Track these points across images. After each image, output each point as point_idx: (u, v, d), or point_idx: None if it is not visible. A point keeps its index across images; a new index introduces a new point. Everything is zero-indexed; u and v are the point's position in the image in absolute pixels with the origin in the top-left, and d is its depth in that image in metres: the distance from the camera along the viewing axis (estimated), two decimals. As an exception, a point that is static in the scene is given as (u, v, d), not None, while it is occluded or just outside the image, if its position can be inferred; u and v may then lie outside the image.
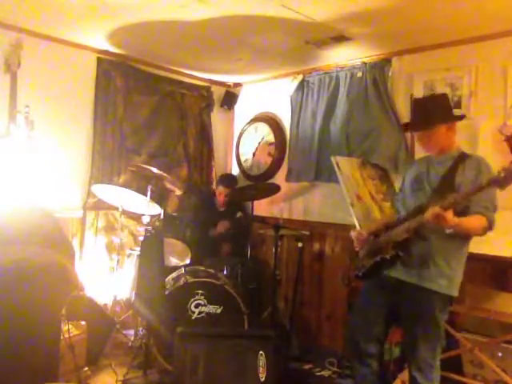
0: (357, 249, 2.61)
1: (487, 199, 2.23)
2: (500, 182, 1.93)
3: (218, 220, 4.26)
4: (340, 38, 3.46)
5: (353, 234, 2.64)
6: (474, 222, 2.18)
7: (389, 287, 2.41)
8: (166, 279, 3.46)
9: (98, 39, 3.84)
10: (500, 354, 2.90)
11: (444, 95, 2.48)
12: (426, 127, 2.38)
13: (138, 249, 3.67)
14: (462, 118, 2.52)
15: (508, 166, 1.89)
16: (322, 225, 4.13)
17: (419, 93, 3.52)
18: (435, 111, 2.37)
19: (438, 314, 2.31)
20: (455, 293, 2.33)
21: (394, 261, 2.34)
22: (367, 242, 2.55)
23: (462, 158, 2.36)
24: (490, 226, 2.21)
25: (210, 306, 3.31)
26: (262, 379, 2.67)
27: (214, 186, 4.79)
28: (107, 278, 4.07)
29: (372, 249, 2.53)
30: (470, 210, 2.22)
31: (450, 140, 2.40)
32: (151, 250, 3.28)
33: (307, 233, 3.79)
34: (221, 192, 4.29)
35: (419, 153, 3.08)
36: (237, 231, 4.21)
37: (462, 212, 2.19)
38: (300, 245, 3.58)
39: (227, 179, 4.41)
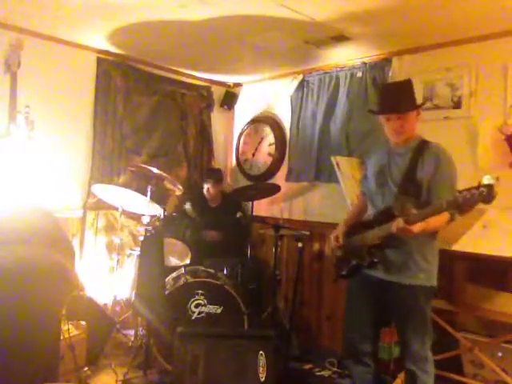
0: (336, 251, 2.67)
1: (448, 192, 2.25)
2: (458, 207, 1.96)
3: (213, 218, 4.25)
4: (340, 38, 3.46)
5: (332, 240, 2.67)
6: (437, 219, 2.19)
7: (373, 285, 2.44)
8: (166, 279, 3.46)
9: (98, 39, 3.84)
10: (500, 354, 2.90)
11: (410, 82, 2.46)
12: (407, 110, 2.37)
13: (138, 249, 3.67)
14: (423, 104, 2.55)
15: (465, 192, 1.90)
16: (321, 225, 4.13)
17: (419, 93, 3.52)
18: (409, 97, 2.39)
19: (423, 306, 2.36)
20: (434, 283, 2.38)
21: (371, 267, 2.40)
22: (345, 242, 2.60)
23: (421, 148, 2.36)
24: (452, 218, 2.24)
25: (210, 306, 3.31)
26: (262, 379, 2.67)
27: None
28: (107, 278, 4.07)
29: (349, 249, 2.57)
30: (431, 202, 2.24)
31: (415, 128, 2.42)
32: (151, 250, 3.28)
33: (307, 233, 3.78)
34: (206, 187, 4.27)
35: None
36: (235, 231, 4.20)
37: (424, 205, 2.23)
38: (300, 245, 3.58)
39: (210, 173, 4.39)
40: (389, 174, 2.43)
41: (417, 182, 2.31)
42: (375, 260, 2.37)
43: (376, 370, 2.56)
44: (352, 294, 2.62)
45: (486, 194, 1.85)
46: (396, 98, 2.38)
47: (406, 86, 2.44)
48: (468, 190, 1.92)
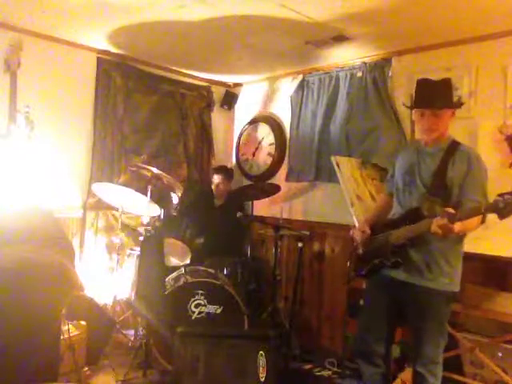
0: (357, 249, 2.62)
1: (479, 192, 2.25)
2: (498, 211, 1.92)
3: (216, 216, 4.24)
4: (340, 38, 3.46)
5: (355, 232, 2.62)
6: (472, 221, 2.17)
7: (392, 286, 2.41)
8: (166, 279, 3.45)
9: (98, 39, 3.84)
10: (500, 354, 2.90)
11: (450, 80, 2.41)
12: (444, 106, 2.33)
13: (138, 249, 3.67)
14: (461, 105, 2.52)
15: (507, 196, 1.88)
16: (321, 225, 4.13)
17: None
18: (446, 95, 2.35)
19: (442, 311, 2.34)
20: (457, 288, 2.36)
21: (395, 266, 2.37)
22: (368, 240, 2.56)
23: (453, 149, 2.34)
24: (483, 220, 2.22)
25: (210, 306, 3.31)
26: (262, 379, 2.66)
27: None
28: (107, 277, 4.07)
29: (371, 248, 2.53)
30: (463, 203, 2.23)
31: (448, 127, 2.39)
32: (151, 250, 3.28)
33: (307, 233, 3.79)
34: (216, 182, 4.27)
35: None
36: (236, 231, 4.20)
37: (455, 207, 2.21)
38: (300, 245, 3.58)
39: (221, 168, 4.38)
40: (418, 173, 2.39)
41: (447, 183, 2.27)
42: (400, 261, 2.33)
43: (386, 371, 2.54)
44: (370, 294, 2.59)
45: None
46: (433, 94, 2.33)
47: (445, 85, 2.39)
48: (510, 193, 1.89)
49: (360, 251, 2.61)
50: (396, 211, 2.51)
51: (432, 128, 2.34)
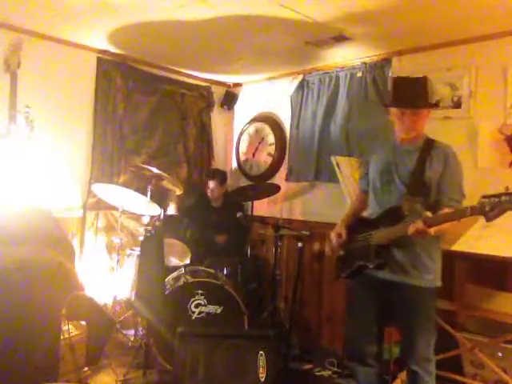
0: (336, 251, 2.63)
1: (457, 191, 2.29)
2: (484, 213, 1.92)
3: (214, 218, 4.24)
4: (340, 38, 3.46)
5: (332, 235, 2.63)
6: (450, 223, 2.17)
7: (377, 286, 2.42)
8: (166, 279, 3.46)
9: (98, 39, 3.84)
10: (500, 354, 2.90)
11: (426, 78, 2.41)
12: (428, 106, 2.35)
13: (138, 249, 3.67)
14: (439, 105, 2.52)
15: (493, 198, 1.87)
16: (321, 225, 4.12)
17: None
18: (425, 93, 2.36)
19: (430, 308, 2.36)
20: (440, 283, 2.38)
21: (379, 268, 2.37)
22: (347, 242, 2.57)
23: (429, 147, 2.35)
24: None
25: (210, 306, 3.31)
26: (262, 379, 2.67)
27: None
28: (107, 278, 4.07)
29: (352, 249, 2.54)
30: (441, 203, 2.27)
31: (424, 127, 2.41)
32: (151, 250, 3.28)
33: (307, 233, 3.78)
34: (210, 187, 4.27)
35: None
36: (236, 231, 4.20)
37: (434, 205, 2.26)
38: (300, 245, 3.58)
39: (213, 173, 4.37)
40: (396, 172, 2.40)
41: (426, 181, 2.30)
42: (383, 262, 2.34)
43: (380, 370, 2.55)
44: (354, 294, 2.59)
45: None
46: (413, 93, 2.34)
47: (423, 83, 2.40)
48: (496, 196, 1.88)
49: (341, 253, 2.62)
50: (374, 211, 2.51)
51: (412, 127, 2.35)
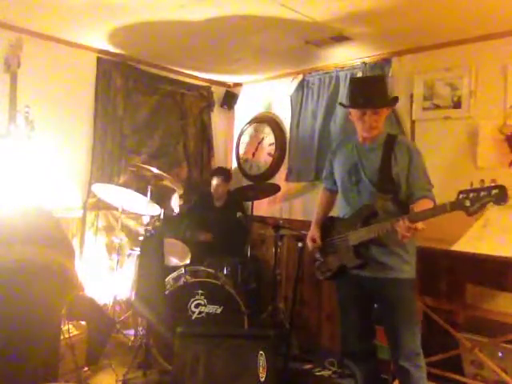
0: (315, 255, 2.65)
1: (426, 180, 2.33)
2: (464, 209, 1.93)
3: (215, 217, 4.25)
4: (340, 38, 3.46)
5: (308, 242, 2.65)
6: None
7: (360, 284, 2.44)
8: (166, 279, 3.46)
9: (98, 39, 3.84)
10: (500, 354, 2.90)
11: (384, 77, 2.45)
12: (387, 105, 2.38)
13: (138, 249, 3.67)
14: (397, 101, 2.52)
15: (472, 193, 1.88)
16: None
17: (419, 93, 3.52)
18: (384, 92, 2.39)
19: (411, 299, 2.39)
20: (414, 275, 2.41)
21: (360, 268, 2.39)
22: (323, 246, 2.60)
23: (391, 142, 2.37)
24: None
25: (210, 306, 3.31)
26: (262, 379, 2.67)
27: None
28: (107, 277, 4.07)
29: (331, 252, 2.54)
30: (414, 195, 2.30)
31: (384, 123, 2.43)
32: (151, 249, 3.28)
33: (307, 233, 3.78)
34: (214, 184, 4.27)
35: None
36: (236, 231, 4.20)
37: (405, 200, 2.31)
38: (300, 245, 3.57)
39: (219, 171, 4.39)
40: (362, 171, 2.41)
41: (393, 178, 2.32)
42: (363, 261, 2.35)
43: (376, 365, 2.56)
44: (341, 293, 2.61)
45: (500, 195, 1.82)
46: (372, 93, 2.35)
47: (381, 81, 2.44)
48: (474, 190, 1.88)
49: (317, 256, 2.64)
50: (345, 211, 2.51)
51: (373, 126, 2.37)
